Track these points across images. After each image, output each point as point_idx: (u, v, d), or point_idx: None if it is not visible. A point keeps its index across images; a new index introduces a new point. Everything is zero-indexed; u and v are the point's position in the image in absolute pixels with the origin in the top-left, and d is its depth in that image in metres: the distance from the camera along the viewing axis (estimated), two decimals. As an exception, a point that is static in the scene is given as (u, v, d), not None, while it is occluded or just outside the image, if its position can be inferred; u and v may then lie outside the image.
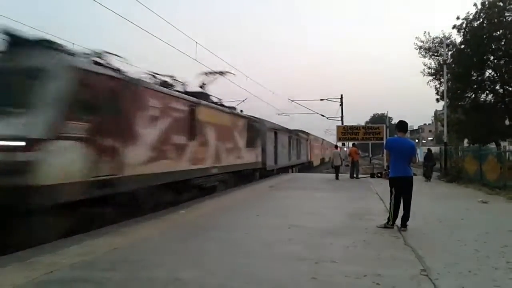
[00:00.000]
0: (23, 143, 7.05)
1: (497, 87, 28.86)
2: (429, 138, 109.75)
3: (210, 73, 17.23)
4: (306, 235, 7.80)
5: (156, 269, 5.53)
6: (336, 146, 27.42)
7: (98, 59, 9.62)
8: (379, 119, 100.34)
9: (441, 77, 28.21)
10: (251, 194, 15.72)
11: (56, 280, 5.03)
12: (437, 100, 31.12)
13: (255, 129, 22.47)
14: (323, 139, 67.89)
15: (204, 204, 12.47)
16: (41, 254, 6.21)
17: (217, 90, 32.06)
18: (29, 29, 8.37)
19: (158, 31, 16.64)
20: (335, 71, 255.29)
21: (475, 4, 27.07)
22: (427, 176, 23.08)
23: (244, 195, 15.22)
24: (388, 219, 8.48)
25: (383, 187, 11.43)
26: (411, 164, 8.59)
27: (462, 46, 28.19)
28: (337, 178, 24.03)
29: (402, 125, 8.95)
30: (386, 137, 24.07)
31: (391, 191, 8.51)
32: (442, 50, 27.44)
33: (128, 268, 5.58)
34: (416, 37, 30.47)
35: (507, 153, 18.33)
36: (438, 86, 30.34)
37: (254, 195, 15.24)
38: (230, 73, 18.17)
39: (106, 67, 9.67)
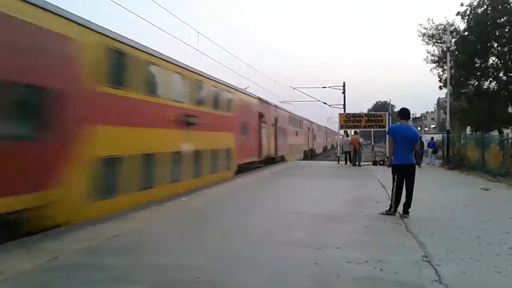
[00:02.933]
0: None
1: (501, 74, 28.80)
2: (432, 126, 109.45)
3: None
4: (308, 221, 7.84)
5: (160, 254, 5.57)
6: (347, 134, 27.63)
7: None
8: (382, 107, 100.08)
9: (444, 65, 28.14)
10: (253, 180, 15.76)
11: (61, 266, 5.07)
12: (440, 87, 31.09)
13: None
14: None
15: (207, 191, 12.51)
16: (46, 240, 6.28)
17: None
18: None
19: (157, 19, 16.53)
20: (338, 59, 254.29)
21: (479, -9, 26.89)
22: (417, 163, 23.12)
23: (246, 182, 15.26)
24: (390, 206, 8.50)
25: (385, 174, 11.44)
26: (415, 150, 8.60)
27: (466, 33, 28.07)
28: (346, 163, 25.65)
29: (404, 112, 8.91)
30: (389, 125, 24.02)
31: (393, 178, 8.51)
32: (446, 37, 27.29)
33: (132, 253, 5.62)
34: (420, 24, 30.39)
35: (510, 141, 18.25)
36: (441, 73, 30.30)
37: (256, 182, 15.27)
38: None
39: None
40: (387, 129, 18.20)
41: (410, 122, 9.61)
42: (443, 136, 28.25)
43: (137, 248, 5.96)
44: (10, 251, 5.64)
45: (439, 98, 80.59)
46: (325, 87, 39.29)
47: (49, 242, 6.17)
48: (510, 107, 29.94)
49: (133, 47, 11.02)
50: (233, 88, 19.70)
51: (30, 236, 6.60)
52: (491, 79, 29.15)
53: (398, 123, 8.99)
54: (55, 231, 6.93)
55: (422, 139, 23.07)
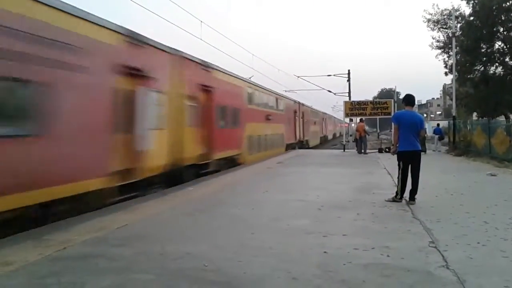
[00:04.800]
0: None
1: (507, 59, 28.50)
2: (438, 113, 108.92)
3: None
4: (314, 209, 7.84)
5: (167, 244, 5.60)
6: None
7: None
8: (387, 94, 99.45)
9: (449, 50, 27.89)
10: (258, 170, 15.78)
11: (68, 256, 5.12)
12: (446, 73, 30.92)
13: None
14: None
15: (212, 181, 12.55)
16: (54, 231, 6.32)
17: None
18: None
19: (159, 9, 16.43)
20: (342, 47, 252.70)
21: (485, -25, 26.54)
22: (422, 150, 22.99)
23: (251, 172, 15.28)
24: (396, 192, 8.49)
25: (391, 161, 11.41)
26: (419, 137, 8.57)
27: (471, 18, 27.79)
28: (358, 152, 24.97)
29: (409, 99, 8.88)
30: (394, 112, 23.93)
31: (399, 165, 8.49)
32: (451, 22, 27.02)
33: (139, 243, 5.66)
34: (425, 10, 30.13)
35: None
36: (446, 59, 30.08)
37: (262, 172, 15.29)
38: None
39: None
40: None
41: (415, 109, 9.55)
42: (449, 122, 28.11)
43: (145, 237, 5.99)
44: (19, 242, 5.69)
45: (444, 84, 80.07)
46: (330, 75, 39.19)
47: (57, 233, 6.21)
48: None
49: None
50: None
51: (39, 228, 6.66)
52: (497, 64, 28.87)
53: (403, 110, 8.95)
54: (63, 222, 6.98)
55: (424, 126, 22.99)
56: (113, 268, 4.64)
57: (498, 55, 28.35)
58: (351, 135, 29.71)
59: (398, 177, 8.54)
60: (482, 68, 28.79)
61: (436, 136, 26.53)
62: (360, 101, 27.74)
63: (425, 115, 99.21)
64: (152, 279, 4.30)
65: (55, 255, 5.16)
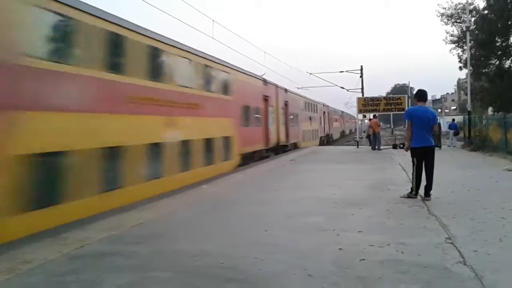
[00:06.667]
0: None
1: (523, 52, 28.04)
2: (452, 108, 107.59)
3: None
4: (328, 206, 7.82)
5: (182, 241, 5.66)
6: (370, 119, 27.51)
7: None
8: (401, 89, 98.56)
9: (464, 45, 27.59)
10: (271, 167, 15.77)
11: (86, 254, 5.19)
12: (460, 68, 30.53)
13: None
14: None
15: (226, 178, 12.59)
16: (72, 230, 6.42)
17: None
18: None
19: (170, 8, 16.48)
20: (356, 43, 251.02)
21: (498, -33, 26.18)
22: (437, 145, 22.77)
23: (264, 169, 15.29)
24: (411, 189, 8.43)
25: (405, 157, 11.29)
26: (433, 133, 8.50)
27: (486, 12, 27.44)
28: (372, 148, 24.40)
29: (421, 94, 8.79)
30: (408, 108, 23.72)
31: (413, 161, 8.43)
32: (465, 16, 26.70)
33: (155, 241, 5.72)
34: (438, 4, 29.90)
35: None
36: (461, 53, 29.75)
37: (275, 169, 15.29)
38: None
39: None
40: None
41: (429, 104, 9.48)
42: (464, 117, 27.78)
43: (160, 235, 6.05)
44: (38, 241, 5.79)
45: (459, 79, 79.07)
46: (342, 71, 38.99)
47: (75, 231, 6.31)
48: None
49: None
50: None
51: (57, 227, 6.77)
52: (512, 58, 28.50)
53: (416, 105, 8.88)
54: (80, 221, 7.07)
55: (437, 122, 22.71)
56: (130, 266, 4.70)
57: (513, 48, 27.95)
58: (364, 131, 29.61)
59: (412, 173, 8.47)
60: (497, 62, 28.38)
61: (451, 132, 26.25)
62: (373, 97, 27.53)
63: (439, 110, 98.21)
64: (170, 277, 4.35)
65: (73, 253, 5.24)
